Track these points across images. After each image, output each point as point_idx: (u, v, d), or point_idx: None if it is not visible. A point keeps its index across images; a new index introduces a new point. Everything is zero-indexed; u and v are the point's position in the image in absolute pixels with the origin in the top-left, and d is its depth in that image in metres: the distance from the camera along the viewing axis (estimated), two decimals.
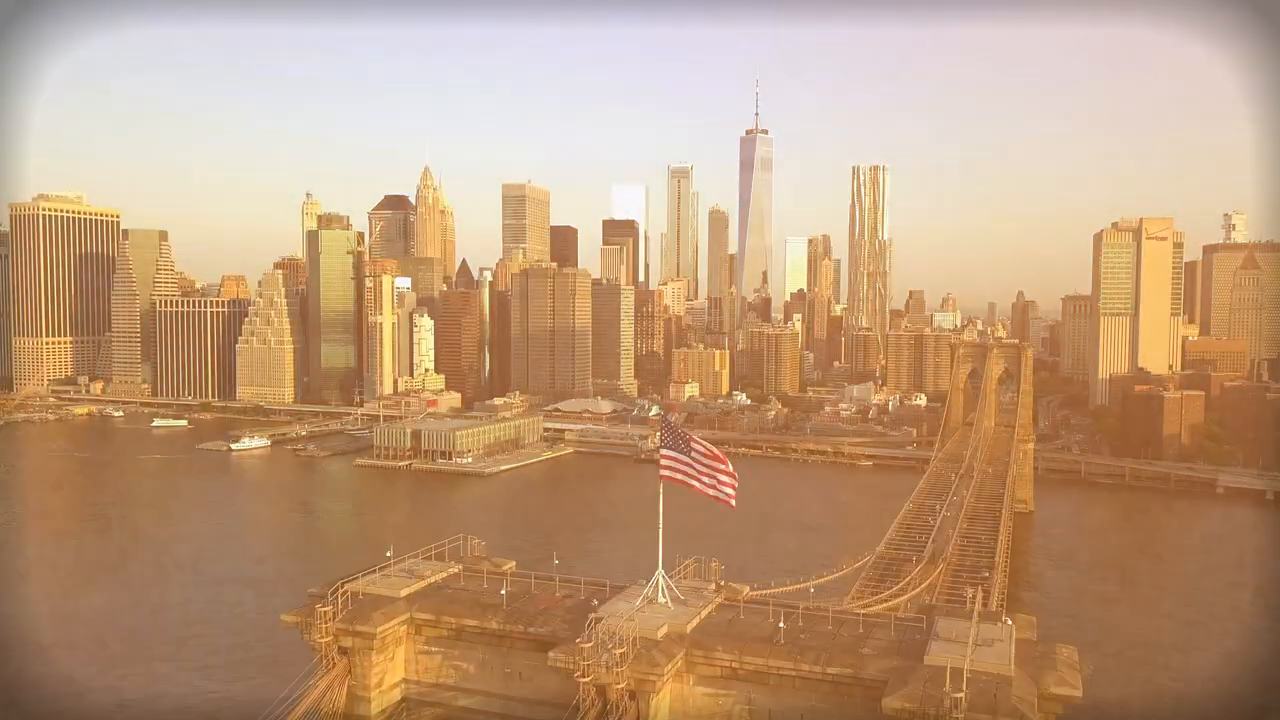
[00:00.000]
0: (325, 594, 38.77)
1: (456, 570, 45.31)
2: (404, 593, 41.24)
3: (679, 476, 40.94)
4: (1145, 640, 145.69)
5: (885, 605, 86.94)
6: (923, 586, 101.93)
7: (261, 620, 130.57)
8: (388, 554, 45.64)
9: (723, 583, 44.96)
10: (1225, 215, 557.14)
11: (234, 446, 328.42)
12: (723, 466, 40.40)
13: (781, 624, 37.15)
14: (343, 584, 40.31)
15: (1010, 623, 36.80)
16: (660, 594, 40.35)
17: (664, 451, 41.65)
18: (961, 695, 32.72)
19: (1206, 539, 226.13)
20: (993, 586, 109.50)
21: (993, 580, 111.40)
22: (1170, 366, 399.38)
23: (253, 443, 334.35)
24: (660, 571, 40.98)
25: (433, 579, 43.54)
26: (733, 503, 40.62)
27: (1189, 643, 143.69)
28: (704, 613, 39.45)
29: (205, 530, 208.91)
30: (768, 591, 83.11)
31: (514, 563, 49.10)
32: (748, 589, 47.32)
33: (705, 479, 40.06)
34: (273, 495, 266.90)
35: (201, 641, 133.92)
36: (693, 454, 40.46)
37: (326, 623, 37.42)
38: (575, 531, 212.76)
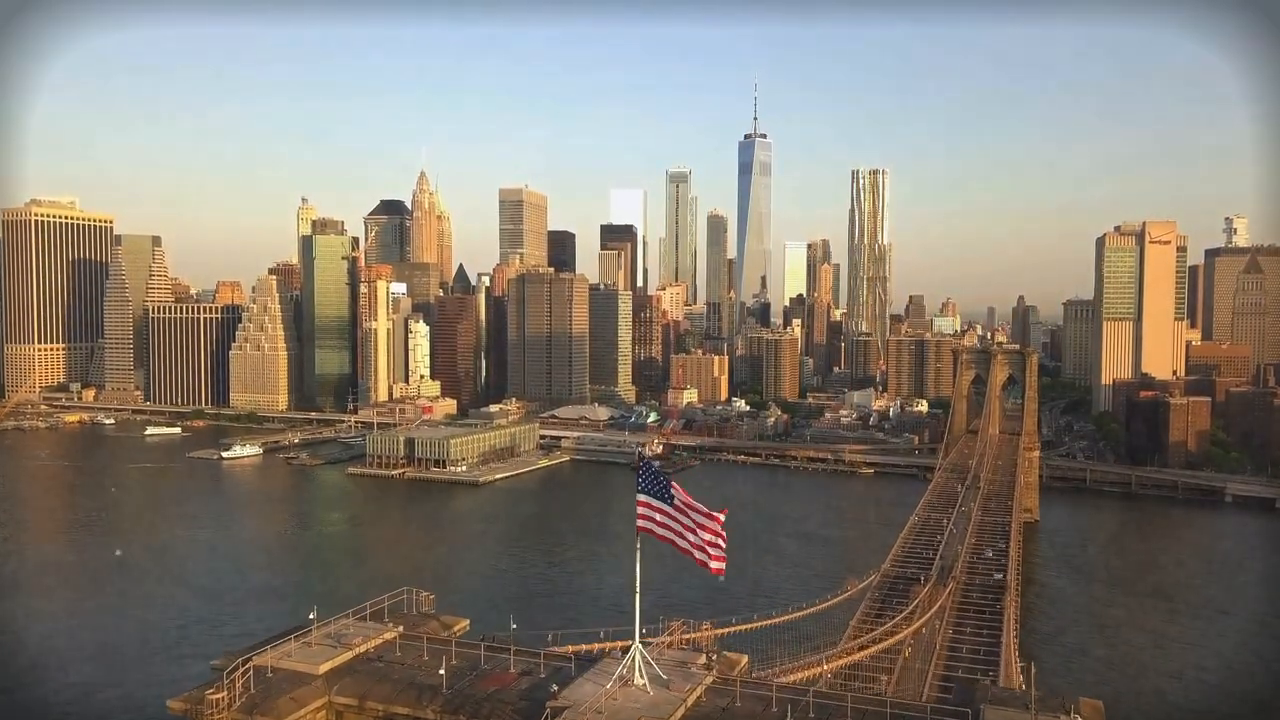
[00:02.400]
0: (231, 666, 31.60)
1: (394, 635, 37.80)
2: (324, 668, 33.06)
3: (659, 531, 33.93)
4: (1177, 672, 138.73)
5: (895, 638, 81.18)
6: (932, 611, 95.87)
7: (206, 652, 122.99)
8: (311, 616, 38.08)
9: (715, 655, 37.21)
10: (1226, 219, 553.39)
11: (225, 455, 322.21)
12: (714, 525, 33.10)
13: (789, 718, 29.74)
14: (249, 657, 33.03)
15: (1078, 717, 29.27)
16: (637, 673, 32.98)
17: (641, 498, 34.42)
18: None
19: (1222, 551, 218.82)
20: (1007, 607, 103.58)
21: (1006, 601, 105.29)
22: (1174, 372, 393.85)
23: (244, 451, 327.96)
24: (637, 644, 33.71)
25: (362, 649, 35.82)
26: (722, 568, 33.00)
27: (1227, 678, 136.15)
28: (691, 699, 31.48)
29: (178, 547, 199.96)
30: (768, 623, 77.22)
31: (466, 621, 41.22)
32: (746, 659, 39.71)
33: (691, 535, 32.77)
34: (258, 507, 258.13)
35: (137, 674, 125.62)
36: (675, 504, 33.35)
37: (220, 712, 30.07)
38: (565, 549, 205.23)
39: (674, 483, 34.24)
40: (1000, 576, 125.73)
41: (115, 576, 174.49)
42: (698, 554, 32.37)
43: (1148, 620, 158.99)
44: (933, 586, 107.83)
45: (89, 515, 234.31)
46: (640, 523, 34.43)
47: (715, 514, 32.44)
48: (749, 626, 64.75)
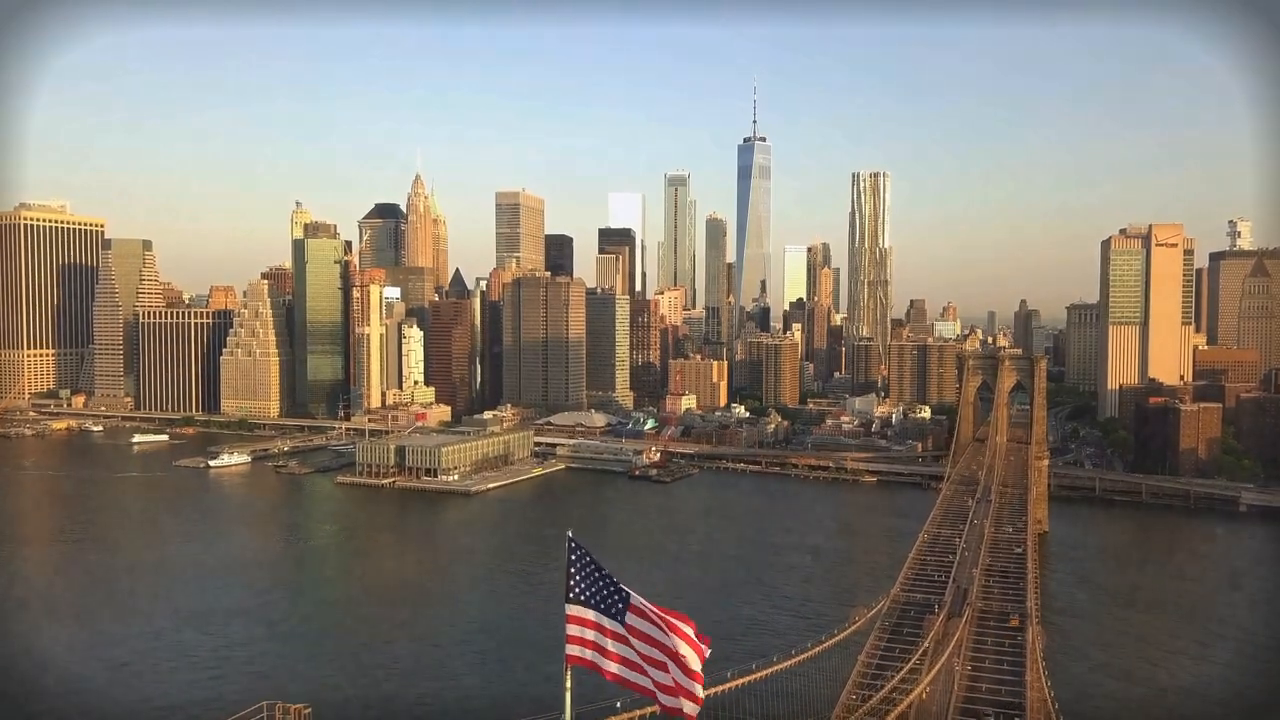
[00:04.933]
0: None
1: None
2: None
3: (606, 667, 23.06)
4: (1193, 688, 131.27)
5: (908, 699, 73.66)
6: (950, 649, 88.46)
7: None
8: None
9: None
10: (1230, 222, 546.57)
11: (212, 464, 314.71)
12: (681, 644, 21.64)
13: None
14: None
15: None
16: None
17: (571, 611, 23.41)
18: None
19: (1246, 566, 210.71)
20: (1028, 640, 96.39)
21: (1026, 634, 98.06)
22: (1181, 377, 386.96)
23: (231, 459, 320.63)
24: None
25: None
26: (694, 712, 22.28)
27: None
28: None
29: (122, 572, 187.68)
30: (766, 673, 69.49)
31: None
32: None
33: (649, 663, 22.02)
34: (231, 522, 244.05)
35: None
36: (627, 623, 22.42)
37: None
38: (551, 565, 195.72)
39: (624, 586, 22.98)
40: (1020, 551, 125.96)
41: (34, 603, 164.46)
42: (664, 697, 22.21)
43: (1172, 643, 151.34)
44: (947, 617, 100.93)
45: (48, 531, 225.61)
46: (571, 650, 23.51)
47: (689, 625, 21.86)
48: (746, 680, 57.32)
